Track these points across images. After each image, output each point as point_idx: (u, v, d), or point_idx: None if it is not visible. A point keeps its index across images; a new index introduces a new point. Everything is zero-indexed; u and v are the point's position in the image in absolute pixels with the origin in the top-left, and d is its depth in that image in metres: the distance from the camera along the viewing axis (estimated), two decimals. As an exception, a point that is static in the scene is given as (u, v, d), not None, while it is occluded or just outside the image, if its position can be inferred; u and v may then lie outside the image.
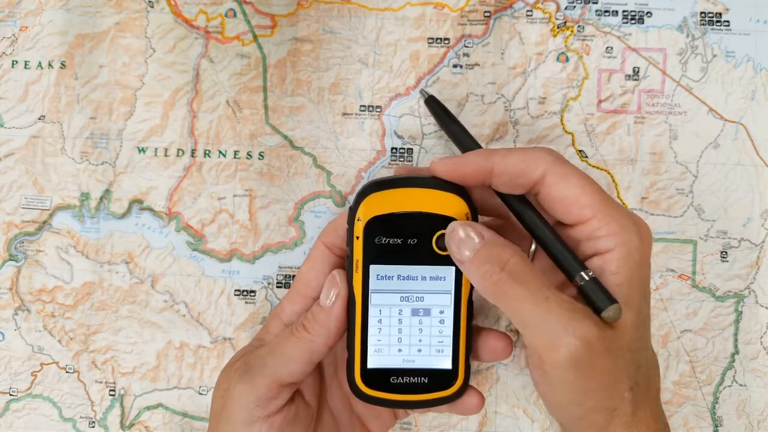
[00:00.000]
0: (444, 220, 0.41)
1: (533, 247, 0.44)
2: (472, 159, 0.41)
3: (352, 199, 0.50)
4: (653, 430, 0.40)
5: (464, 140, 0.45)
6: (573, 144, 0.50)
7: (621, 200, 0.50)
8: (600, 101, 0.50)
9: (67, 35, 0.51)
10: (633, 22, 0.50)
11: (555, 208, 0.40)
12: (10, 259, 0.51)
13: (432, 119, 0.50)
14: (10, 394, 0.51)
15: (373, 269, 0.42)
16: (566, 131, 0.50)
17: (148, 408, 0.51)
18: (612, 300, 0.38)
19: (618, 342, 0.38)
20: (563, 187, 0.40)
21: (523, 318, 0.38)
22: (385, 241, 0.41)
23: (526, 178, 0.40)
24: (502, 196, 0.42)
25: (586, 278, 0.39)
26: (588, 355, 0.37)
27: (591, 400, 0.39)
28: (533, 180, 0.40)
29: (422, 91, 0.49)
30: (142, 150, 0.51)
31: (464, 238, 0.40)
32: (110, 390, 0.51)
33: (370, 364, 0.43)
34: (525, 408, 0.50)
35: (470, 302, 0.42)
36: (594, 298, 0.38)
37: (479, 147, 0.45)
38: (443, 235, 0.41)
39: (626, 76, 0.50)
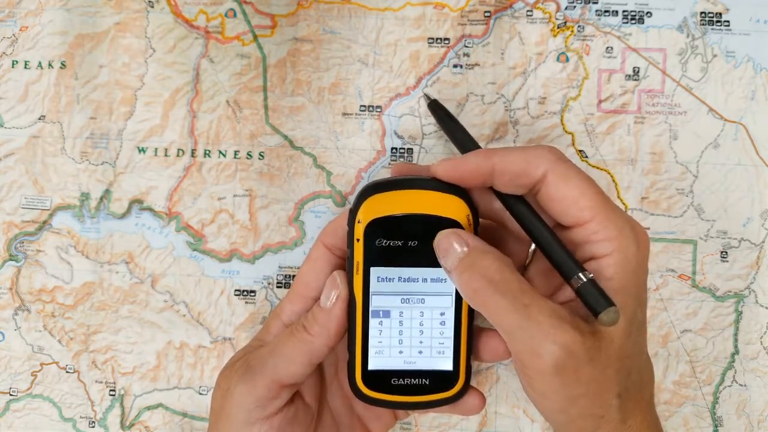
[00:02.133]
0: (445, 222, 0.41)
1: (532, 248, 0.44)
2: (472, 159, 0.41)
3: (352, 199, 0.50)
4: None
5: (467, 146, 0.45)
6: (573, 144, 0.50)
7: (621, 200, 0.50)
8: (600, 101, 0.50)
9: (67, 35, 0.51)
10: (633, 22, 0.50)
11: (553, 208, 0.40)
12: (10, 259, 0.51)
13: (432, 119, 0.50)
14: (10, 394, 0.51)
15: (374, 271, 0.42)
16: (566, 131, 0.50)
17: (148, 408, 0.51)
18: (609, 302, 0.37)
19: (606, 350, 0.38)
20: (563, 187, 0.39)
21: (505, 327, 0.38)
22: (385, 243, 0.41)
23: (527, 177, 0.40)
24: (501, 197, 0.42)
25: (584, 280, 0.38)
26: (571, 363, 0.37)
27: (575, 408, 0.38)
28: (535, 179, 0.40)
29: (425, 95, 0.49)
30: (142, 150, 0.51)
31: (449, 247, 0.40)
32: (110, 390, 0.51)
33: (371, 366, 0.43)
34: (525, 408, 0.50)
35: (471, 303, 0.42)
36: (591, 301, 0.38)
37: None
38: (444, 236, 0.41)
39: (626, 76, 0.50)
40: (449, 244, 0.40)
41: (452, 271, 0.40)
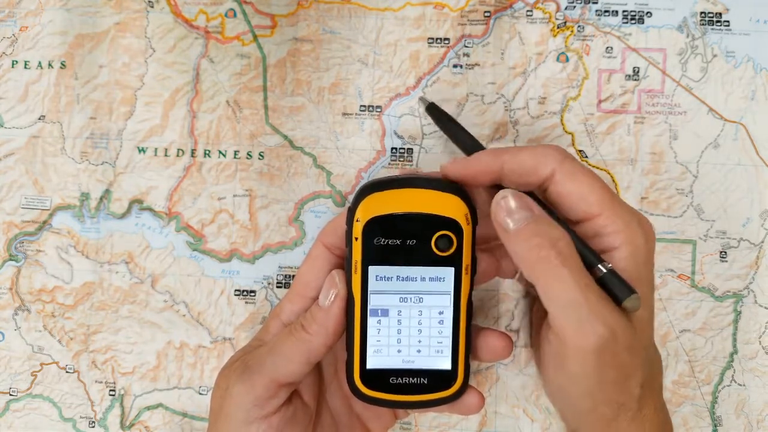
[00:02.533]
0: (443, 221, 0.41)
1: None
2: (483, 158, 0.42)
3: (351, 199, 0.50)
4: (656, 424, 0.41)
5: (469, 145, 0.45)
6: (573, 144, 0.50)
7: (621, 200, 0.50)
8: (600, 101, 0.50)
9: (67, 35, 0.51)
10: (633, 22, 0.50)
11: (562, 205, 0.41)
12: (10, 259, 0.51)
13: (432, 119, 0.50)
14: (10, 394, 0.51)
15: (372, 270, 0.41)
16: (566, 131, 0.50)
17: (148, 408, 0.51)
18: (631, 290, 0.38)
19: (637, 338, 0.39)
20: (571, 183, 0.40)
21: (561, 300, 0.38)
22: (383, 242, 0.41)
23: (536, 175, 0.41)
24: None
25: (604, 270, 0.39)
26: (612, 346, 0.38)
27: (602, 393, 0.39)
28: (543, 177, 0.41)
29: (422, 99, 0.49)
30: (142, 150, 0.51)
31: (515, 208, 0.40)
32: (110, 390, 0.51)
33: (370, 365, 0.43)
34: (525, 408, 0.50)
35: (470, 302, 0.42)
36: (614, 289, 0.39)
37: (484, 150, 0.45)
38: (442, 235, 0.41)
39: (626, 76, 0.50)
40: (516, 205, 0.40)
41: (514, 232, 0.40)
